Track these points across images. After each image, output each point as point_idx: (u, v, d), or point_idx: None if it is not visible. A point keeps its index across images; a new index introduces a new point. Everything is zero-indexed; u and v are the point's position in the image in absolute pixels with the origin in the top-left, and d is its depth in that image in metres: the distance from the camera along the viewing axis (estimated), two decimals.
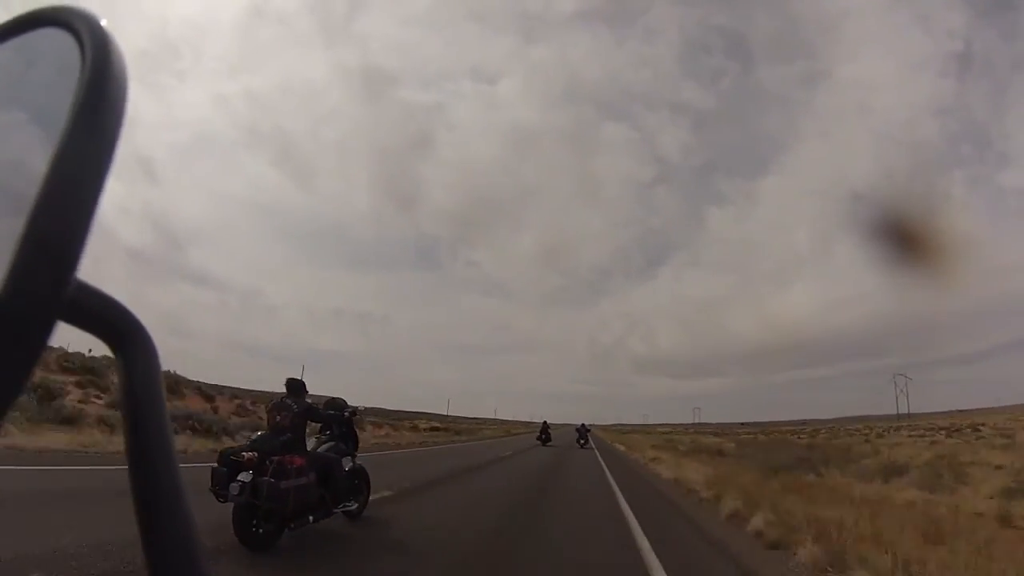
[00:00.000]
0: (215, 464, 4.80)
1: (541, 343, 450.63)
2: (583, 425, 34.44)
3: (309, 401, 5.76)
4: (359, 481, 6.43)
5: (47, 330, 0.34)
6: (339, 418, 6.31)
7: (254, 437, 5.32)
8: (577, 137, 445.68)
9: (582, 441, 31.58)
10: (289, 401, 5.49)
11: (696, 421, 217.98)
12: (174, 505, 0.42)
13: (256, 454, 4.80)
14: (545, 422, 34.58)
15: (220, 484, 4.66)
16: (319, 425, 6.32)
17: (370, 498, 6.67)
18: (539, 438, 31.92)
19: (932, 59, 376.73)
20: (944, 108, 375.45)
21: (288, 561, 4.71)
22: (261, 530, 4.72)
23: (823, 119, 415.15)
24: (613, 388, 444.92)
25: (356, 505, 6.21)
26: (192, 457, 9.93)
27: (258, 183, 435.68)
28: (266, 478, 4.66)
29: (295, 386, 5.70)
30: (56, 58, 0.41)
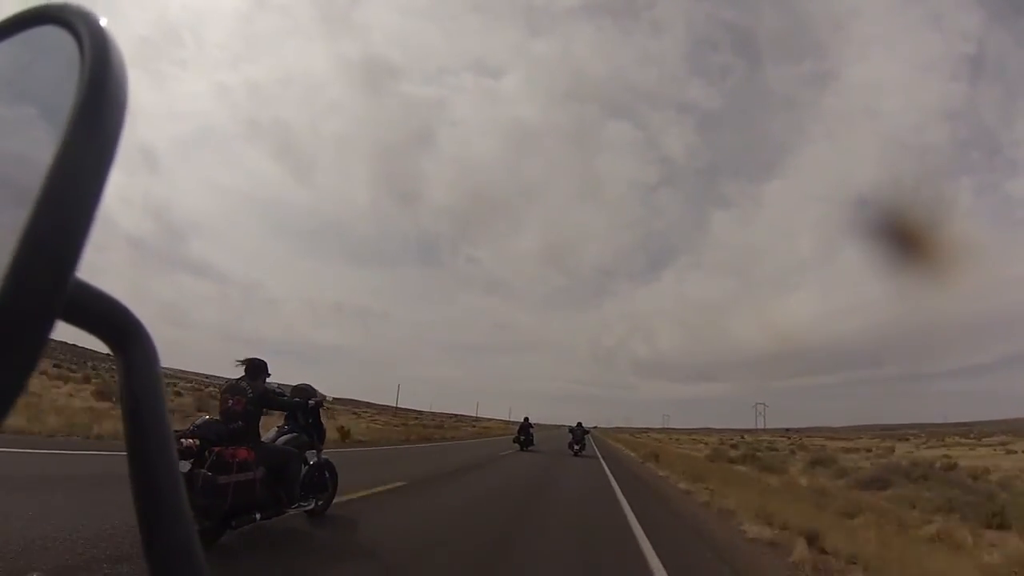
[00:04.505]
0: None
1: (543, 343, 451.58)
2: (579, 425, 26.93)
3: (272, 386, 5.16)
4: (324, 477, 5.81)
5: (47, 330, 0.34)
6: (303, 407, 5.55)
7: (198, 422, 4.58)
8: (581, 135, 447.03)
9: (576, 447, 25.00)
10: (244, 384, 4.82)
11: (759, 427, 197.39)
12: (174, 504, 0.43)
13: (197, 442, 4.21)
14: (526, 419, 26.64)
15: None
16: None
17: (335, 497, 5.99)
18: (517, 440, 25.64)
19: (943, 62, 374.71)
20: (954, 112, 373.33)
21: (223, 559, 4.04)
22: (196, 527, 4.02)
23: (830, 122, 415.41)
24: (619, 390, 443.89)
25: (314, 504, 5.53)
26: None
27: (259, 176, 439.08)
28: (203, 470, 4.09)
29: (255, 367, 4.99)
30: (55, 57, 0.40)
